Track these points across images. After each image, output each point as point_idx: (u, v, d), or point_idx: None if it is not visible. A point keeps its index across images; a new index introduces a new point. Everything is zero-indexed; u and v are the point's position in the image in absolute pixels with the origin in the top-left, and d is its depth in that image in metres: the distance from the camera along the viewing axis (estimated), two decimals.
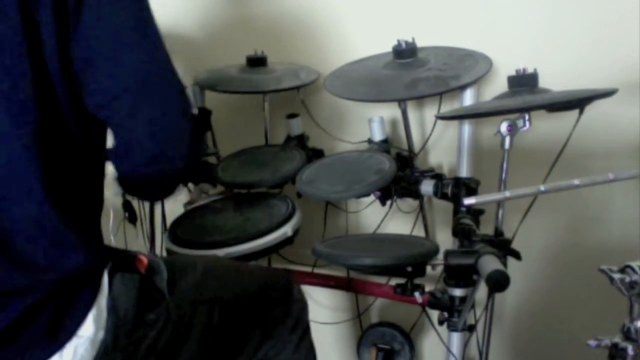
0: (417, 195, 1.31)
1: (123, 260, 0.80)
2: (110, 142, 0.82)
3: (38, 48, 0.68)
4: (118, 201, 1.58)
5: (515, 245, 1.12)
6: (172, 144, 0.78)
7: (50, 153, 0.70)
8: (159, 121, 0.76)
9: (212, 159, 1.58)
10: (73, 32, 0.69)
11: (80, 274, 0.74)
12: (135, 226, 1.61)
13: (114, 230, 1.54)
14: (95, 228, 0.80)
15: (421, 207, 1.45)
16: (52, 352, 0.70)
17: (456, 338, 1.27)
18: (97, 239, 0.80)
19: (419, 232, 1.48)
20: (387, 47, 1.35)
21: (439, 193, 1.27)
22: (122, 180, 0.85)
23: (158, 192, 0.91)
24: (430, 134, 1.45)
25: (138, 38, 0.74)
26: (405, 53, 1.31)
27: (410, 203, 1.46)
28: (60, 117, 0.71)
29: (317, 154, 1.49)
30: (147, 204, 1.59)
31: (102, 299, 0.75)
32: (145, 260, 0.82)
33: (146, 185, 0.85)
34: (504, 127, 1.07)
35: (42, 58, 0.68)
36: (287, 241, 1.24)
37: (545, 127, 1.24)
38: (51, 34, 0.68)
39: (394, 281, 1.30)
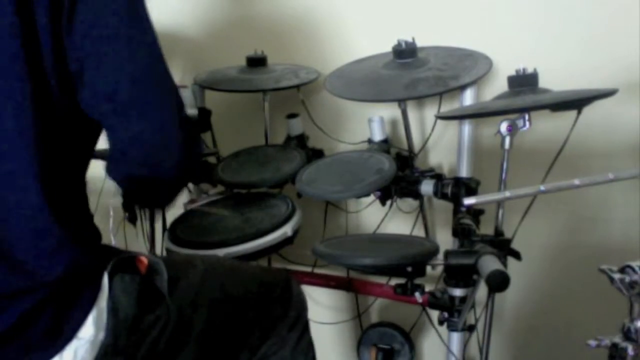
0: (417, 195, 1.31)
1: (123, 261, 0.80)
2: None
3: (34, 47, 0.67)
4: (118, 201, 1.58)
5: (515, 245, 1.11)
6: (162, 151, 0.78)
7: (47, 152, 0.70)
8: (150, 127, 0.75)
9: (212, 159, 1.58)
10: (68, 30, 0.69)
11: (78, 274, 0.74)
12: (135, 226, 1.61)
13: (114, 230, 1.54)
14: (88, 227, 0.80)
15: (421, 207, 1.45)
16: (52, 355, 0.70)
17: (456, 338, 1.27)
18: (92, 238, 0.80)
19: (419, 232, 1.48)
20: (387, 47, 1.35)
21: (439, 193, 1.27)
22: (120, 185, 0.85)
23: (156, 198, 0.90)
24: (430, 134, 1.45)
25: (133, 41, 0.73)
26: (405, 53, 1.31)
27: (410, 203, 1.46)
28: (55, 116, 0.71)
29: (317, 154, 1.49)
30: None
31: (102, 300, 0.75)
32: (145, 260, 0.82)
33: (142, 190, 0.85)
34: (504, 127, 1.07)
35: (38, 57, 0.68)
36: (287, 241, 1.24)
37: (545, 127, 1.24)
38: (47, 33, 0.68)
39: (394, 281, 1.30)
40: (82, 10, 0.69)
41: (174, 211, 1.44)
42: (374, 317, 1.65)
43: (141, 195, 0.89)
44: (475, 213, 1.21)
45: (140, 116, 0.74)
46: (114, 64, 0.72)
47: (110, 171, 0.82)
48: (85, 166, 0.80)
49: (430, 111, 1.46)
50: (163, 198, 0.91)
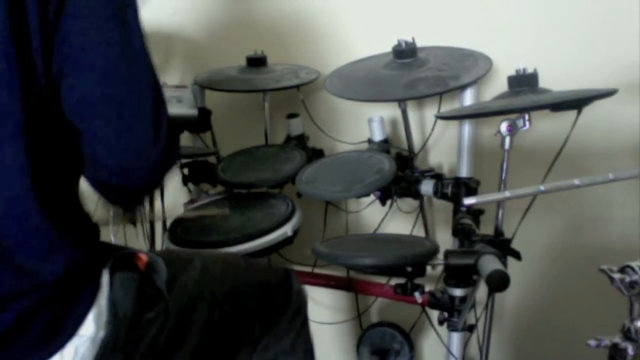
0: (417, 195, 1.31)
1: (122, 259, 0.80)
2: None
3: (26, 45, 0.66)
4: None
5: (515, 245, 1.11)
6: (138, 162, 0.75)
7: (37, 150, 0.69)
8: (127, 138, 0.72)
9: (212, 159, 1.58)
10: (54, 28, 0.67)
11: (77, 272, 0.73)
12: (135, 226, 1.61)
13: (114, 231, 1.54)
14: (84, 226, 0.79)
15: (421, 207, 1.45)
16: (53, 353, 0.70)
17: (456, 338, 1.27)
18: (90, 236, 0.80)
19: (419, 232, 1.48)
20: (387, 47, 1.35)
21: (439, 193, 1.27)
22: (93, 189, 0.82)
23: (125, 202, 0.88)
24: (430, 134, 1.45)
25: (117, 47, 0.70)
26: (405, 53, 1.32)
27: (410, 203, 1.46)
28: (45, 116, 0.70)
29: (317, 154, 1.49)
30: (147, 204, 1.59)
31: (103, 298, 0.75)
32: (144, 258, 0.82)
33: (112, 195, 0.82)
34: (504, 127, 1.07)
35: (29, 57, 0.66)
36: (287, 241, 1.24)
37: (545, 127, 1.24)
38: (37, 32, 0.66)
39: (394, 281, 1.30)
40: (70, 6, 0.67)
41: (174, 211, 1.45)
42: (374, 317, 1.65)
43: (111, 198, 0.86)
44: (475, 213, 1.21)
45: (117, 125, 0.72)
46: (94, 69, 0.69)
47: (85, 175, 0.79)
48: (77, 166, 0.78)
49: (430, 111, 1.46)
50: (132, 202, 0.89)
